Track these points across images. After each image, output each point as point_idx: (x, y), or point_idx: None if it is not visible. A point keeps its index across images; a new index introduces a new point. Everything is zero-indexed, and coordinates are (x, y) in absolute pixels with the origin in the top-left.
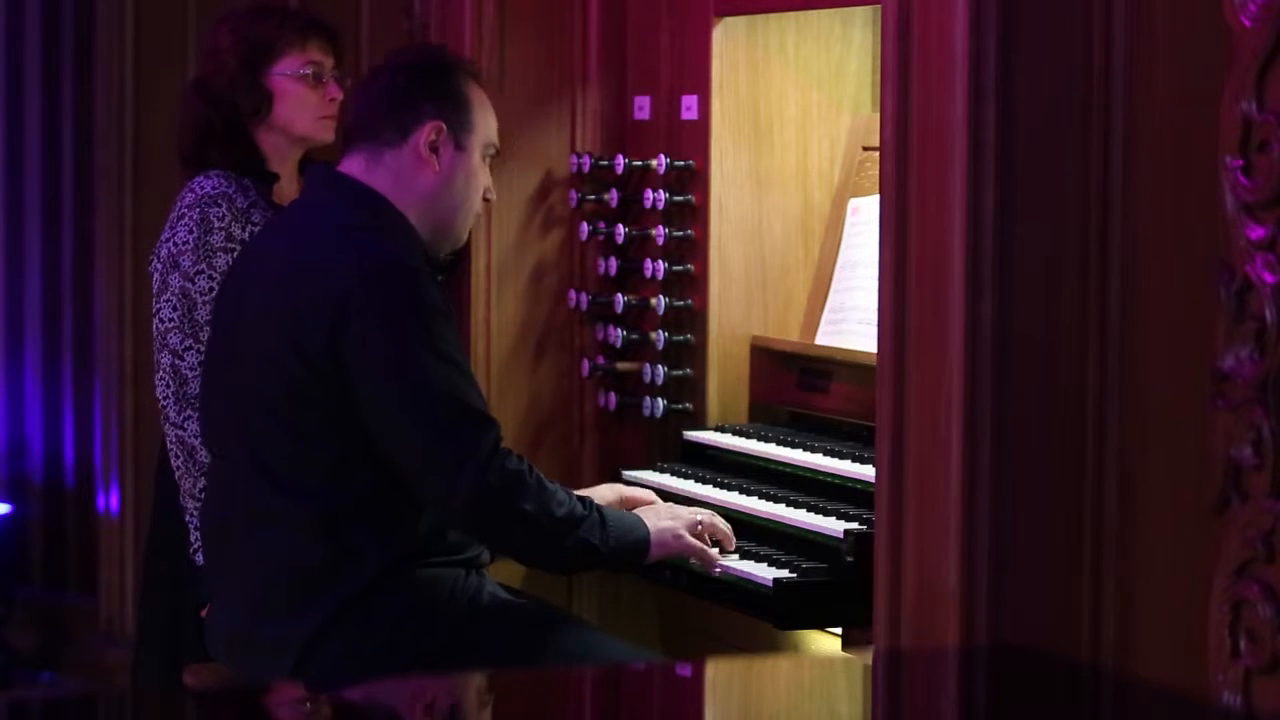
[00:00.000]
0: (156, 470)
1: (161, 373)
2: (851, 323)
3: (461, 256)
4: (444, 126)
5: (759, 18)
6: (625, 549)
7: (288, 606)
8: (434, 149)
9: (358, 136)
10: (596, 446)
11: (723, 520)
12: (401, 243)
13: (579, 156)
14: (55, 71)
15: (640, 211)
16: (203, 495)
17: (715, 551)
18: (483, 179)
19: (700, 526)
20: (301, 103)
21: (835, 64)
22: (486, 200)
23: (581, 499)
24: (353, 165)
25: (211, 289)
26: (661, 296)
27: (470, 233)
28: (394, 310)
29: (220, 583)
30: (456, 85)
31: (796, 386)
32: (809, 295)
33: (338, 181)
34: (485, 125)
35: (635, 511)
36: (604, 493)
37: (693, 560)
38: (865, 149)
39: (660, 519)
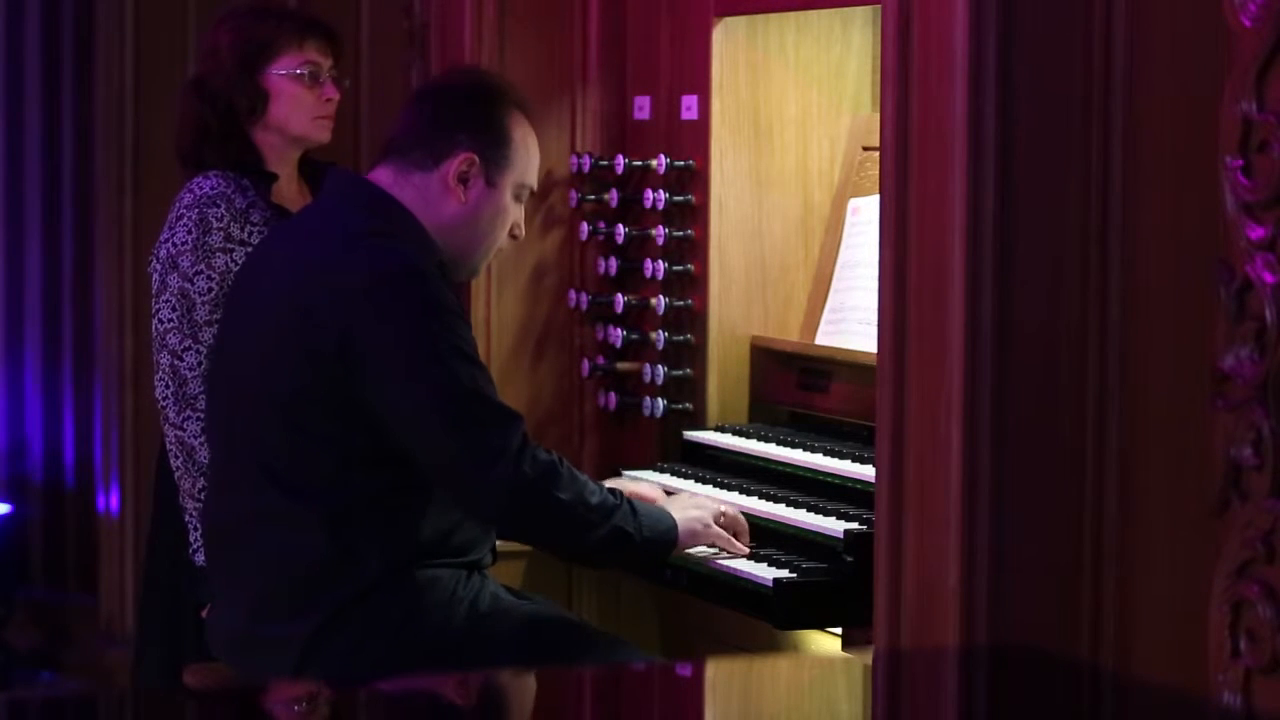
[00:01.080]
0: (156, 470)
1: (161, 373)
2: (851, 323)
3: None
4: (477, 159)
5: (759, 18)
6: (656, 538)
7: (289, 606)
8: (463, 180)
9: (392, 151)
10: (596, 446)
11: (743, 519)
12: (414, 248)
13: (579, 156)
14: (55, 71)
15: (640, 211)
16: (203, 495)
17: (740, 546)
18: (511, 216)
19: (724, 518)
20: (297, 103)
21: (835, 64)
22: (513, 237)
23: (611, 489)
24: (381, 175)
25: (210, 289)
26: (661, 296)
27: None
28: (410, 314)
29: (221, 582)
30: (500, 119)
31: (796, 386)
32: (809, 295)
33: (359, 186)
34: (523, 164)
35: (659, 504)
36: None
37: (718, 548)
38: (865, 149)
39: (686, 509)
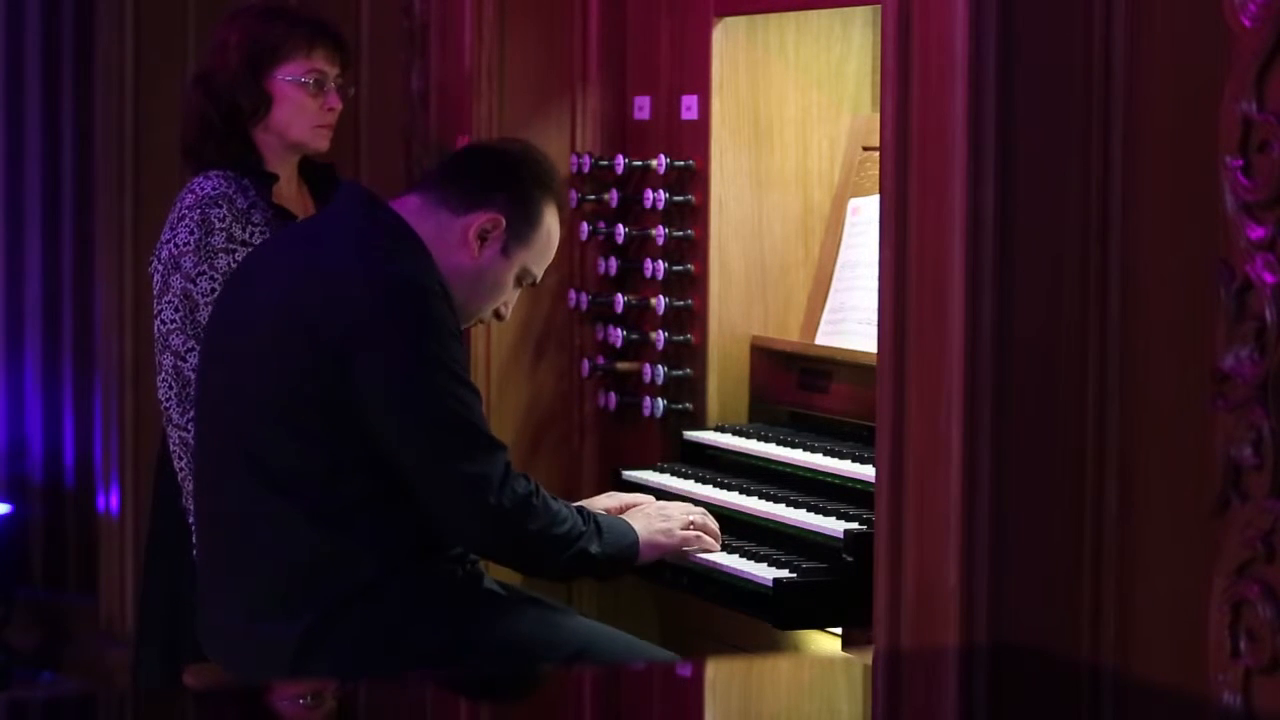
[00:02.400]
0: (156, 470)
1: (164, 374)
2: (851, 323)
3: None
4: (503, 223)
5: (759, 18)
6: (618, 554)
7: (284, 605)
8: (482, 238)
9: (428, 185)
10: (596, 446)
11: (714, 521)
12: (419, 265)
13: (579, 156)
14: (55, 71)
15: (640, 211)
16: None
17: (710, 540)
18: (505, 294)
19: (692, 526)
20: (299, 109)
21: (835, 64)
22: (498, 316)
23: (580, 511)
24: (408, 202)
25: (213, 290)
26: (661, 296)
27: None
28: (407, 330)
29: (216, 581)
30: (539, 200)
31: (796, 386)
32: (809, 295)
33: (374, 205)
34: (539, 252)
35: (626, 516)
36: (603, 501)
37: (692, 550)
38: (865, 149)
39: (651, 522)
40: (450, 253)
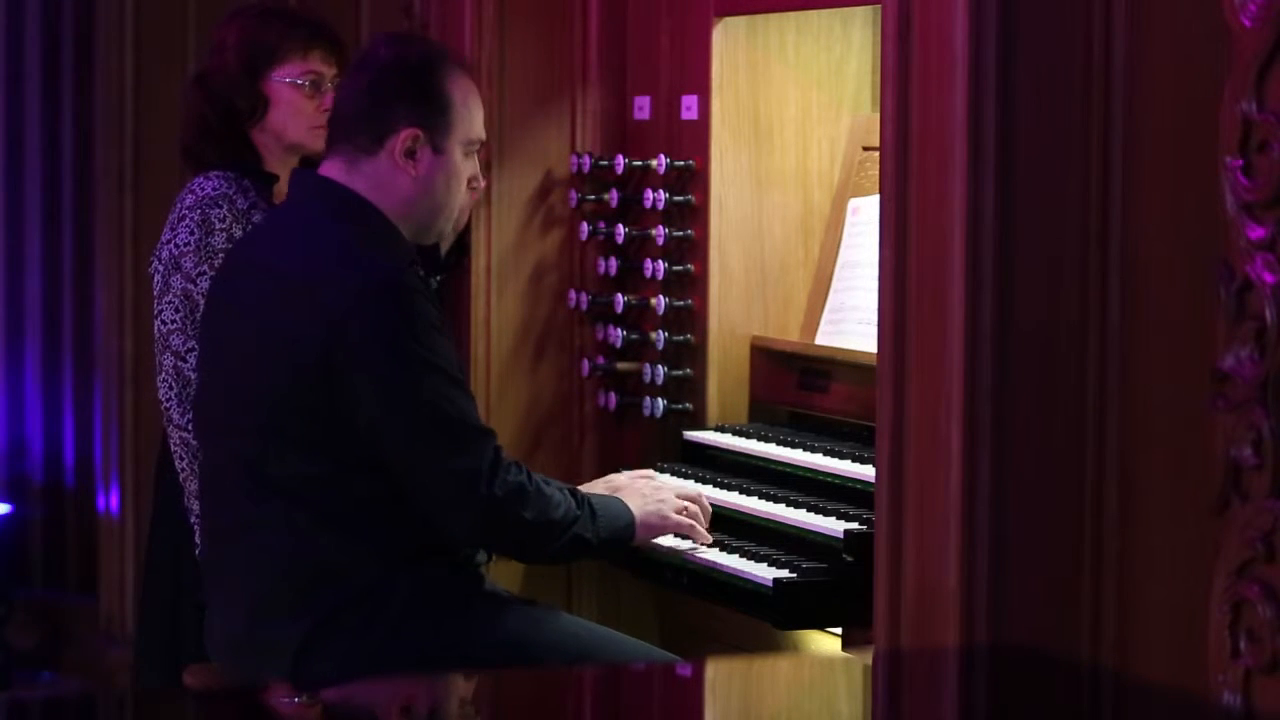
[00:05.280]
0: (157, 471)
1: (164, 375)
2: (851, 323)
3: (463, 255)
4: (420, 134)
5: (759, 18)
6: (613, 537)
7: (285, 608)
8: (410, 155)
9: (336, 139)
10: (596, 446)
11: (706, 503)
12: (394, 256)
13: (579, 156)
14: (55, 71)
15: (640, 211)
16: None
17: (703, 532)
18: (465, 173)
19: (686, 511)
20: (296, 110)
21: (835, 64)
22: (473, 189)
23: (574, 494)
24: (333, 169)
25: None
26: (661, 296)
27: (470, 232)
28: (393, 331)
29: (220, 583)
30: (435, 85)
31: (796, 386)
32: (809, 295)
33: (324, 189)
34: (467, 122)
35: (621, 494)
36: (598, 487)
37: (683, 533)
38: (865, 149)
39: (646, 501)
40: (392, 188)
